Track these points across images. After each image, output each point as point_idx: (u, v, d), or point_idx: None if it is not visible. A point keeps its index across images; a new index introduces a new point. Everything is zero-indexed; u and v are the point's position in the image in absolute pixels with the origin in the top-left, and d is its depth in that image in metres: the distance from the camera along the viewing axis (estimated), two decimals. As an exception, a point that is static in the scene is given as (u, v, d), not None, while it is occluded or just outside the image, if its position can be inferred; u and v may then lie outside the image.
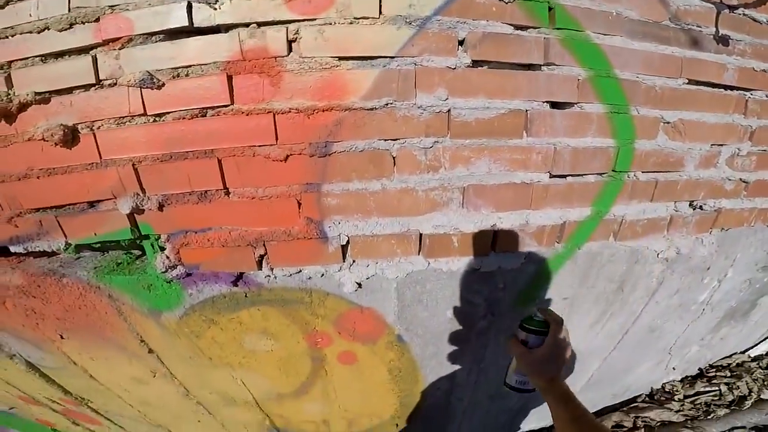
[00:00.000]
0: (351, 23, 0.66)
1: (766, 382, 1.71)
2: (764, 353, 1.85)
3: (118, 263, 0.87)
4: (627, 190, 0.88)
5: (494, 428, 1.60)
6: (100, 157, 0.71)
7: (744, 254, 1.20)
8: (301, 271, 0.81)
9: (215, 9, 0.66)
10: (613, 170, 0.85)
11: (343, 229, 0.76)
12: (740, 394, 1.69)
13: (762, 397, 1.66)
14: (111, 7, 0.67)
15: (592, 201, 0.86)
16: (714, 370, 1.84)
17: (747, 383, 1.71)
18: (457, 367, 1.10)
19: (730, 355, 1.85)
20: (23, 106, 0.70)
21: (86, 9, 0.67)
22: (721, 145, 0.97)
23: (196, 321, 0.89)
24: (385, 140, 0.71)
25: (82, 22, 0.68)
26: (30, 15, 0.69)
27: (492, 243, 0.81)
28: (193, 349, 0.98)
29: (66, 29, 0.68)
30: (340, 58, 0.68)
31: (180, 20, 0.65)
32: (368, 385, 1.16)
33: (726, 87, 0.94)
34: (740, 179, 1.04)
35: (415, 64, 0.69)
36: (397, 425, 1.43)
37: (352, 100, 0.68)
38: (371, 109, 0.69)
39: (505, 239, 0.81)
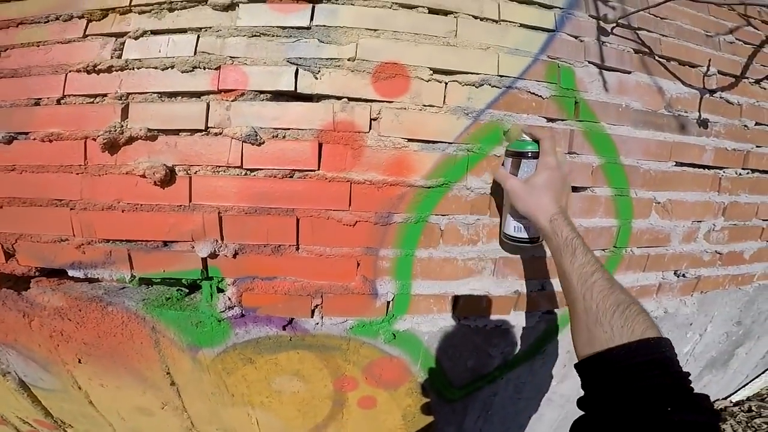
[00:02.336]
0: (420, 110, 0.91)
1: (749, 424, 2.05)
2: (744, 398, 2.21)
3: (167, 298, 1.03)
4: (625, 263, 1.18)
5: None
6: (190, 201, 0.88)
7: (720, 312, 1.53)
8: (346, 320, 1.01)
9: (317, 78, 0.87)
10: (614, 246, 1.14)
11: (390, 288, 0.99)
12: (727, 436, 2.02)
13: (746, 438, 2.00)
14: (232, 57, 0.86)
15: (597, 272, 1.14)
16: (700, 415, 2.18)
17: (732, 426, 2.04)
18: (467, 413, 1.32)
19: (714, 401, 2.19)
20: (131, 140, 0.86)
21: (210, 56, 0.86)
22: (700, 221, 1.28)
23: (233, 359, 1.07)
24: (437, 215, 0.96)
25: (204, 68, 0.86)
26: (159, 51, 0.86)
27: (514, 304, 1.07)
28: (218, 386, 1.14)
29: (188, 71, 0.86)
30: (409, 140, 0.91)
31: (288, 84, 0.86)
32: (380, 429, 1.35)
33: (705, 167, 1.24)
34: (715, 251, 1.35)
35: (468, 150, 0.94)
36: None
37: (415, 178, 0.92)
38: (429, 187, 0.94)
39: (524, 302, 1.07)
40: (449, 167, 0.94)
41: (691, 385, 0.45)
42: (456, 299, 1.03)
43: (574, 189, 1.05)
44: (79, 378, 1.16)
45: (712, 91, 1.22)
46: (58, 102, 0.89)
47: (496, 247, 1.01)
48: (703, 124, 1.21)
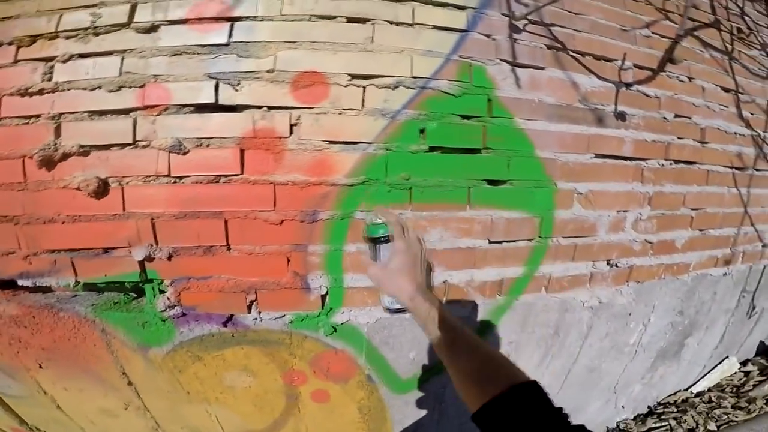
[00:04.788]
0: (340, 113, 0.90)
1: (709, 414, 1.96)
2: (705, 389, 2.12)
3: (116, 302, 1.01)
4: (552, 253, 1.14)
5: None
6: (124, 210, 0.88)
7: (661, 302, 1.47)
8: (284, 315, 0.98)
9: (237, 90, 0.87)
10: (539, 236, 1.11)
11: (323, 282, 0.96)
12: (688, 427, 1.92)
13: (708, 428, 1.90)
14: (155, 76, 0.87)
15: (524, 261, 1.11)
16: (662, 406, 2.08)
17: (693, 417, 1.95)
18: (420, 405, 1.26)
19: (674, 393, 2.11)
20: (65, 156, 0.86)
21: (134, 75, 0.86)
22: (626, 211, 1.23)
23: (182, 357, 1.03)
24: (361, 211, 0.94)
25: (129, 87, 0.86)
26: (87, 73, 0.86)
27: (444, 294, 1.03)
28: (173, 384, 1.10)
29: (114, 91, 0.86)
30: (330, 142, 0.90)
31: (208, 97, 0.86)
32: (339, 423, 1.29)
33: (625, 158, 1.20)
34: (645, 240, 1.31)
35: (387, 149, 0.93)
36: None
37: (337, 177, 0.91)
38: (351, 185, 0.92)
39: (455, 292, 1.04)
40: (369, 165, 0.92)
41: (568, 419, 0.46)
42: (386, 291, 0.99)
43: (495, 183, 1.04)
44: (42, 383, 1.12)
45: (628, 85, 1.19)
46: (-5, 125, 0.88)
47: (420, 239, 0.99)
48: (621, 116, 1.18)
